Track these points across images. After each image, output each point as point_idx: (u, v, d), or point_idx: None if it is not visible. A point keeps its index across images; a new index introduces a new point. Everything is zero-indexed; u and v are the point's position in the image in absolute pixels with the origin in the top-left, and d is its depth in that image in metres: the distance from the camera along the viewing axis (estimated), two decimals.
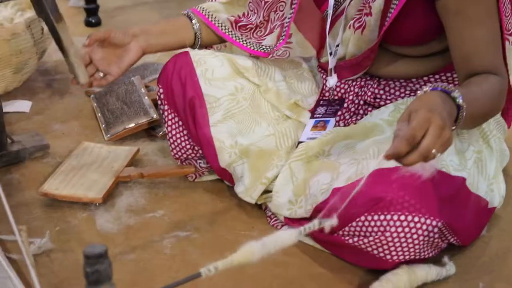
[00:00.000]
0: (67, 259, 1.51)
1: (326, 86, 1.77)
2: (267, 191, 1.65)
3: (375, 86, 1.67)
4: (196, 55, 1.74)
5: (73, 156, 1.87)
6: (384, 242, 1.37)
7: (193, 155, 1.77)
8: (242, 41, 1.80)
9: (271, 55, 1.78)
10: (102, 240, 1.55)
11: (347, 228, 1.41)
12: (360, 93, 1.69)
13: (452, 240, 1.46)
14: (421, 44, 1.59)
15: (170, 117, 1.75)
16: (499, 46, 1.49)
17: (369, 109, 1.68)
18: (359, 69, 1.65)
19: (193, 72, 1.71)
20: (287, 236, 1.21)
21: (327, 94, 1.75)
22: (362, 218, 1.38)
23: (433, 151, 1.17)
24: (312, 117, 1.71)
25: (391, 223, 1.35)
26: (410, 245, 1.36)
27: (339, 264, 1.50)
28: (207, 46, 1.84)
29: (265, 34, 1.82)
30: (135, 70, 2.27)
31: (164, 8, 3.25)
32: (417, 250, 1.38)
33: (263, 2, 1.78)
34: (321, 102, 1.73)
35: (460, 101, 1.27)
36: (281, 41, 1.75)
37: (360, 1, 1.59)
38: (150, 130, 2.03)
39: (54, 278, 1.45)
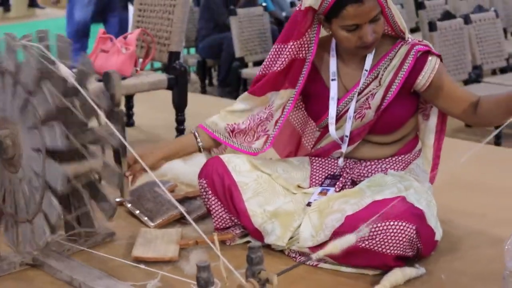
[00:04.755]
0: None
1: (313, 170, 2.65)
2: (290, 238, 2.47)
3: (359, 167, 2.58)
4: (225, 157, 2.60)
5: (140, 235, 2.60)
6: (386, 240, 2.23)
7: (230, 224, 2.58)
8: (237, 145, 2.65)
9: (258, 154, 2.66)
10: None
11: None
12: (349, 172, 2.58)
13: (419, 245, 2.30)
14: (390, 133, 2.53)
15: (212, 198, 2.56)
16: None
17: (352, 185, 2.56)
18: (352, 143, 2.55)
19: (226, 168, 2.56)
20: (350, 237, 2.06)
21: (334, 170, 2.62)
22: (371, 226, 2.21)
23: None
24: (320, 185, 2.59)
25: (390, 226, 2.23)
26: (401, 241, 2.23)
27: (351, 274, 2.35)
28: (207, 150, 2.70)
29: (253, 140, 2.65)
30: (149, 185, 3.04)
31: None
32: (405, 246, 2.24)
33: (257, 119, 2.63)
34: (329, 176, 2.61)
35: None
36: (266, 147, 2.64)
37: (360, 102, 2.50)
38: (181, 219, 2.79)
39: None
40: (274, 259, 2.46)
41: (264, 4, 6.78)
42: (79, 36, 5.60)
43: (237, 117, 2.66)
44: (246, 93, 2.67)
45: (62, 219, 2.35)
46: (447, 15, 5.37)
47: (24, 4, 12.48)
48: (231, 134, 2.65)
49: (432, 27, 5.08)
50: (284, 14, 7.02)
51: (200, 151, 2.66)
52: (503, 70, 5.84)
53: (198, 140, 2.64)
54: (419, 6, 6.84)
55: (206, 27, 6.78)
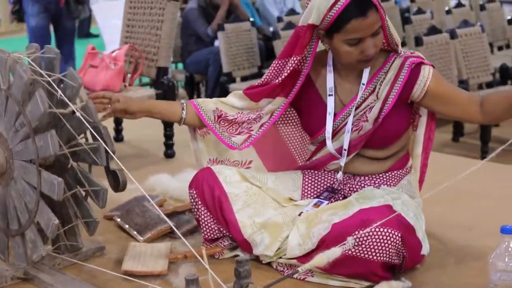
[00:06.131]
0: None
1: (305, 182, 2.67)
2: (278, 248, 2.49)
3: (352, 182, 2.61)
4: (215, 168, 2.63)
5: (130, 249, 2.62)
6: (372, 246, 2.26)
7: (219, 235, 2.61)
8: (219, 132, 2.68)
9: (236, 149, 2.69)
10: None
11: None
12: (343, 187, 2.62)
13: (405, 253, 2.33)
14: (385, 148, 2.56)
15: (202, 209, 2.59)
16: None
17: (342, 198, 2.60)
18: (348, 154, 2.57)
19: (217, 179, 2.59)
20: (336, 250, 2.09)
21: (333, 184, 2.64)
22: (356, 232, 2.26)
23: None
24: (317, 197, 2.62)
25: (375, 232, 2.26)
26: (387, 247, 2.26)
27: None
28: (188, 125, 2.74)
29: (235, 133, 2.68)
30: (138, 200, 3.07)
31: None
32: (391, 252, 2.27)
33: (246, 117, 2.65)
34: (328, 189, 2.64)
35: None
36: (244, 145, 2.67)
37: (358, 115, 2.53)
38: (170, 234, 2.81)
39: None
40: (262, 273, 2.48)
41: (251, 19, 6.82)
42: (39, 42, 5.70)
43: (228, 109, 2.68)
44: (241, 92, 2.68)
45: (59, 231, 2.37)
46: (433, 30, 5.43)
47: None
48: (216, 119, 2.67)
49: (418, 41, 5.14)
50: (271, 29, 7.05)
51: (180, 123, 2.68)
52: (489, 85, 5.89)
53: (183, 112, 2.66)
54: (405, 21, 6.91)
55: (189, 42, 6.80)
